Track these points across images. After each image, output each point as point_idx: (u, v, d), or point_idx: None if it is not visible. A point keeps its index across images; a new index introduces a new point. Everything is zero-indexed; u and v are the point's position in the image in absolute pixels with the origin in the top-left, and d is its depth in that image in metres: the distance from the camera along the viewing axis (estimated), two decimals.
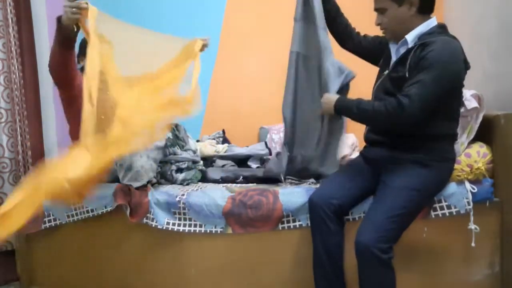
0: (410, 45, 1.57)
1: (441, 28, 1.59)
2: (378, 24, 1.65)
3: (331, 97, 1.70)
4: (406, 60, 1.54)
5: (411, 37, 1.58)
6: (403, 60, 1.56)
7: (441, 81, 1.46)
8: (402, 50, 1.60)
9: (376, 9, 1.64)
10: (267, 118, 3.03)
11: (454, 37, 1.55)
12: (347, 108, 1.65)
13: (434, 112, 1.54)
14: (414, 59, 1.52)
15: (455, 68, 1.50)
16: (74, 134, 2.15)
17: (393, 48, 1.68)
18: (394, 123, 1.54)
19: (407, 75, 1.52)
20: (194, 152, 2.14)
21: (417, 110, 1.46)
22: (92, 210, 1.92)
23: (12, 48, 2.37)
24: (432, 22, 1.59)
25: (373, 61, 1.83)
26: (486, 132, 1.77)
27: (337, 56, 1.83)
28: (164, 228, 1.84)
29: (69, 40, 1.66)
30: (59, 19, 1.60)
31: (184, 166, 2.05)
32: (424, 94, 1.45)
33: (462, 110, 1.73)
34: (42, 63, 2.73)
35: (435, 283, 1.78)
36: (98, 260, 1.97)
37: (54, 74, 1.83)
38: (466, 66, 1.55)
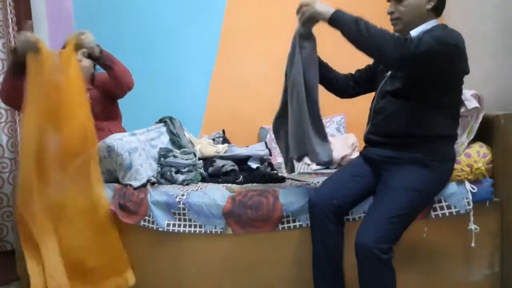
0: None
1: (443, 26, 1.61)
2: (390, 13, 1.63)
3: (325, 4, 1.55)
4: None
5: (415, 33, 1.59)
6: None
7: (445, 44, 1.42)
8: None
9: None
10: (267, 118, 3.01)
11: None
12: (348, 18, 1.49)
13: (435, 111, 1.54)
14: None
15: (460, 44, 1.47)
16: None
17: None
18: (391, 49, 1.41)
19: None
20: (194, 154, 2.14)
21: (419, 51, 1.39)
22: None
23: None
24: (435, 22, 1.61)
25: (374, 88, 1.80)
26: (486, 132, 1.77)
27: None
28: (165, 230, 1.84)
29: (19, 67, 1.74)
30: (15, 49, 1.75)
31: (184, 170, 2.06)
32: (428, 43, 1.40)
33: (462, 110, 1.73)
34: None
35: (435, 283, 1.78)
36: None
37: (4, 98, 1.93)
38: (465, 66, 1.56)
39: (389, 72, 1.66)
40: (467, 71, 1.56)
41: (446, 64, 1.48)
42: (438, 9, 1.61)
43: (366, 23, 1.47)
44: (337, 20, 1.51)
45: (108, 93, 2.16)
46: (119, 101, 2.31)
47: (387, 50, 1.42)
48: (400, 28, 1.64)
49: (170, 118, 2.23)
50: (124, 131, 2.19)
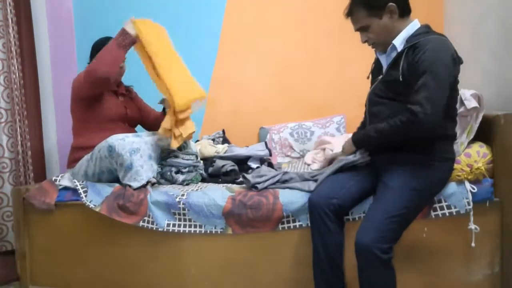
0: (399, 49, 1.60)
1: (426, 28, 1.62)
2: (365, 41, 1.67)
3: (347, 139, 1.81)
4: (398, 64, 1.57)
5: (398, 42, 1.61)
6: (395, 64, 1.59)
7: (442, 79, 1.46)
8: (393, 55, 1.62)
9: (358, 29, 1.66)
10: (267, 118, 3.03)
11: (440, 34, 1.58)
12: (364, 136, 1.69)
13: None
14: (406, 62, 1.54)
15: (448, 63, 1.50)
16: (79, 131, 2.15)
17: (382, 57, 1.70)
18: (413, 131, 1.50)
19: (400, 79, 1.54)
20: (196, 157, 2.14)
21: (430, 112, 1.44)
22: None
23: (12, 48, 2.37)
24: (416, 24, 1.62)
25: None
26: (486, 132, 1.77)
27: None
28: (165, 230, 1.84)
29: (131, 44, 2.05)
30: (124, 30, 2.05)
31: (185, 170, 2.06)
32: (431, 95, 1.44)
33: (462, 109, 1.73)
34: (42, 63, 2.73)
35: (435, 283, 1.78)
36: (98, 260, 1.97)
37: (107, 76, 1.96)
38: (458, 60, 1.56)
39: (380, 77, 1.68)
40: (461, 60, 1.58)
41: (453, 73, 1.52)
42: (404, 13, 1.61)
43: (375, 131, 1.61)
44: (360, 145, 1.75)
45: (138, 119, 2.35)
46: None
47: (410, 134, 1.52)
48: (381, 48, 1.68)
49: None
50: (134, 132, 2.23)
